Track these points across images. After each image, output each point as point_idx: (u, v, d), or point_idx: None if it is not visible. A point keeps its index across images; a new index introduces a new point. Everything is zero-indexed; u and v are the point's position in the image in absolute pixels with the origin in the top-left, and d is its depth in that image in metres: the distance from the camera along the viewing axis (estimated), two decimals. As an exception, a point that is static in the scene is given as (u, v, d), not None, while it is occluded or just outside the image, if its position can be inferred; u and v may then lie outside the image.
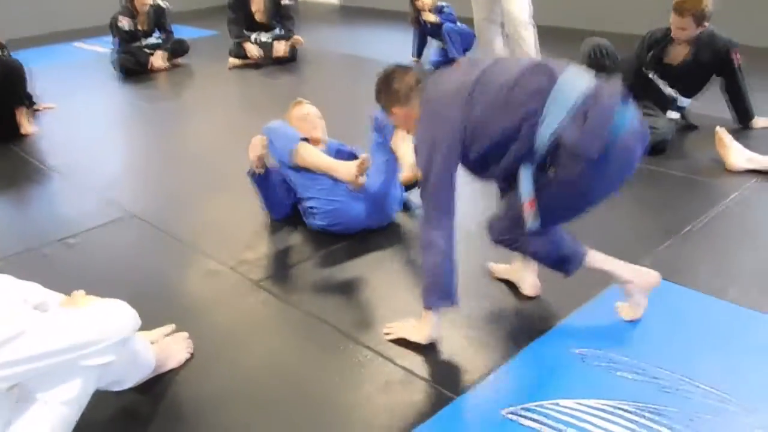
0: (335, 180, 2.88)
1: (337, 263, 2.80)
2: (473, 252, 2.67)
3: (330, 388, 2.09)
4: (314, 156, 2.86)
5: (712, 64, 3.74)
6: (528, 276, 2.48)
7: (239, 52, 6.03)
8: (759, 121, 3.91)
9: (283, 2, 6.11)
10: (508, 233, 2.22)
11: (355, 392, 2.07)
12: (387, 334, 2.29)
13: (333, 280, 2.69)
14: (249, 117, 4.88)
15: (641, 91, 3.85)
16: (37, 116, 4.81)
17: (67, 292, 2.18)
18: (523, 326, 2.33)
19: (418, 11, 5.67)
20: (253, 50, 5.98)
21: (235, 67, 6.03)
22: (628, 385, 2.03)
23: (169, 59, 6.02)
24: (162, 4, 5.97)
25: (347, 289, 2.63)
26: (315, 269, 2.78)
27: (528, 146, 2.00)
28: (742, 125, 3.91)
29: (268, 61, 6.01)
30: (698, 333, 2.26)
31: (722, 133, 3.44)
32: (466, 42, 5.49)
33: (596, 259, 2.26)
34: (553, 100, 1.95)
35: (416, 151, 2.14)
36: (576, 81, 2.00)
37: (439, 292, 2.13)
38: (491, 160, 2.09)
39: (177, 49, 6.11)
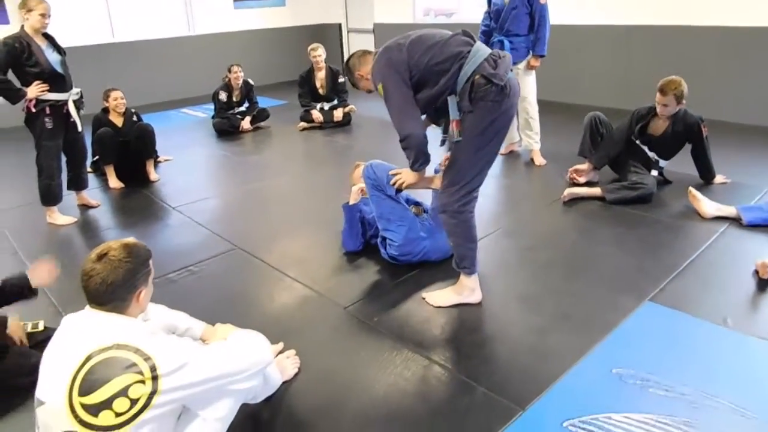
0: (416, 217, 2.77)
1: (413, 289, 2.63)
2: (510, 288, 2.52)
3: (408, 399, 1.93)
4: (410, 177, 2.65)
5: (686, 134, 3.60)
6: None
7: (307, 118, 5.94)
8: (719, 178, 3.74)
9: (339, 79, 6.02)
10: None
11: (429, 404, 1.91)
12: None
13: (411, 304, 2.52)
14: (317, 167, 4.79)
15: (630, 154, 3.74)
16: (158, 166, 4.71)
17: (193, 312, 2.04)
18: (566, 348, 2.16)
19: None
20: (318, 115, 5.88)
21: (304, 129, 5.93)
22: (661, 400, 1.87)
23: (253, 123, 5.93)
24: (250, 81, 5.88)
25: (423, 311, 2.46)
26: (394, 294, 2.61)
27: (454, 79, 2.19)
28: (706, 181, 3.74)
29: (329, 125, 5.91)
30: (711, 356, 2.10)
31: (693, 191, 3.31)
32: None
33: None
34: (476, 50, 2.20)
35: (377, 82, 2.28)
36: (483, 46, 2.25)
37: (423, 157, 2.29)
38: (428, 86, 2.23)
39: (260, 116, 6.02)
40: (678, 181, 3.77)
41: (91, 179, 4.29)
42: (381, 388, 1.99)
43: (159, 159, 4.76)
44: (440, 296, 2.50)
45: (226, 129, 5.77)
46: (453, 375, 2.04)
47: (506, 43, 4.19)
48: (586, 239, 3.10)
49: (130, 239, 1.51)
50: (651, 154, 3.70)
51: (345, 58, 5.54)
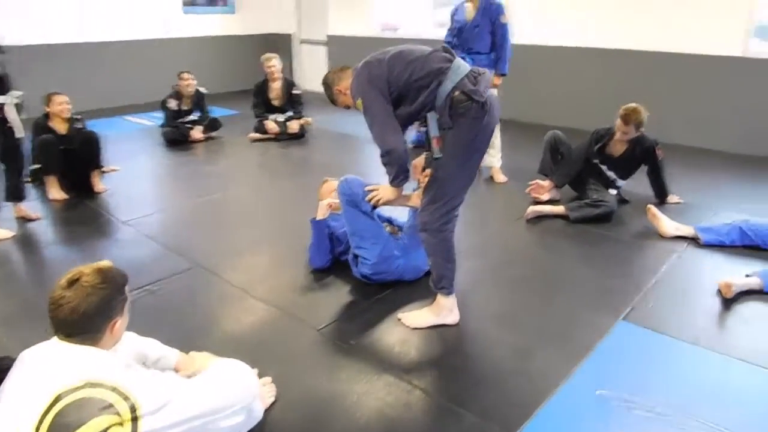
0: (390, 235, 2.70)
1: (387, 310, 2.54)
2: (485, 307, 2.49)
3: (392, 427, 1.84)
4: (388, 193, 2.54)
5: (642, 156, 3.73)
6: None
7: (261, 129, 5.77)
8: (672, 198, 3.88)
9: (294, 91, 5.90)
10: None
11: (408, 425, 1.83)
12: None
13: (387, 325, 2.43)
14: (274, 180, 4.65)
15: (589, 173, 3.82)
16: (104, 177, 4.41)
17: (156, 336, 1.88)
18: (548, 369, 2.14)
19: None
20: (272, 127, 5.73)
21: (257, 140, 5.75)
22: (646, 422, 1.87)
23: (205, 132, 5.70)
24: (201, 89, 5.66)
25: (400, 333, 2.37)
26: (368, 315, 2.51)
27: (433, 96, 2.16)
28: (660, 201, 3.87)
29: (284, 136, 5.76)
30: (687, 376, 2.13)
31: (653, 210, 3.39)
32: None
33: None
34: (456, 66, 2.17)
35: (356, 97, 2.25)
36: (464, 63, 2.22)
37: (403, 173, 2.27)
38: (407, 102, 2.21)
39: (212, 125, 5.79)
40: (634, 200, 3.88)
41: (31, 190, 3.97)
42: (363, 416, 1.89)
43: (104, 169, 4.46)
44: (417, 317, 2.43)
45: (176, 138, 5.51)
46: (438, 401, 1.97)
47: (468, 60, 4.20)
48: (553, 257, 3.13)
49: (105, 262, 1.35)
50: (609, 174, 3.80)
51: (293, 69, 5.46)
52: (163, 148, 5.48)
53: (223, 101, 7.62)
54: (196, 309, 2.59)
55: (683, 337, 2.34)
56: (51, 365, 1.24)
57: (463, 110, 2.13)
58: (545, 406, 1.93)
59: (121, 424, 1.20)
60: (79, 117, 4.24)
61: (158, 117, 6.05)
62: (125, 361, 1.36)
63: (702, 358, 2.21)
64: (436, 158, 2.26)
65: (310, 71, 8.88)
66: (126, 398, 1.21)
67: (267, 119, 5.78)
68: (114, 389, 1.21)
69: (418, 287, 2.73)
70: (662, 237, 3.30)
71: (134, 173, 4.69)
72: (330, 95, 2.44)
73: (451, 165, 2.21)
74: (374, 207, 2.55)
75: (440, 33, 7.48)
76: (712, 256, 3.08)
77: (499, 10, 4.16)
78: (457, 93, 2.13)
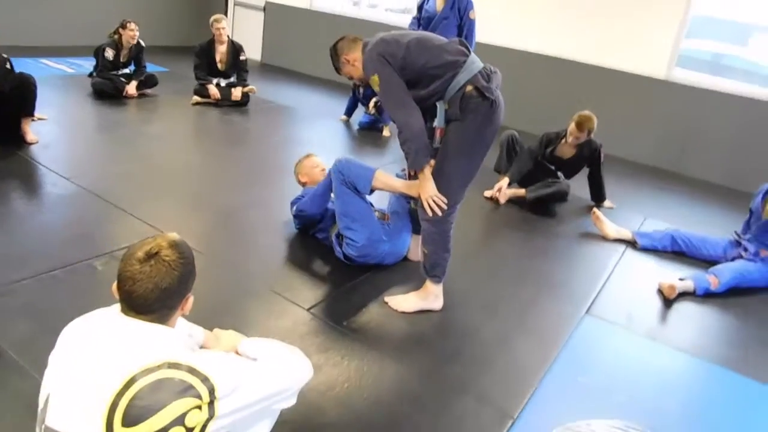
0: (381, 221, 2.71)
1: (371, 292, 2.56)
2: (466, 295, 2.59)
3: (396, 409, 1.90)
4: (390, 179, 2.58)
5: (588, 159, 4.01)
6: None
7: (202, 92, 5.45)
8: (606, 202, 4.22)
9: (241, 57, 5.62)
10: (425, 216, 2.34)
11: (420, 414, 1.90)
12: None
13: (375, 308, 2.45)
14: (223, 147, 4.44)
15: (539, 172, 4.04)
16: (32, 125, 3.96)
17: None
18: (532, 355, 2.29)
19: (356, 84, 5.47)
20: (215, 92, 5.43)
21: (197, 103, 5.43)
22: (625, 408, 2.06)
23: (139, 88, 5.28)
24: (142, 42, 5.22)
25: (389, 316, 2.41)
26: (353, 296, 2.52)
27: (445, 86, 2.18)
28: (596, 202, 4.19)
29: (225, 102, 5.48)
30: (650, 367, 2.36)
31: (598, 213, 3.68)
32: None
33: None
34: (471, 61, 2.20)
35: (371, 73, 2.21)
36: (477, 59, 2.25)
37: (424, 151, 2.21)
38: (417, 88, 2.21)
39: (148, 81, 5.38)
40: (573, 201, 4.17)
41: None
42: (365, 399, 1.92)
43: (33, 117, 4.00)
44: (404, 301, 2.48)
45: (107, 91, 5.04)
46: (438, 383, 2.05)
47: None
48: (515, 250, 3.31)
49: (173, 235, 1.25)
50: (558, 173, 4.06)
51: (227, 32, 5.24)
52: (93, 100, 5.01)
53: (152, 56, 7.07)
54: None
55: (641, 331, 2.59)
56: (122, 344, 1.13)
57: (474, 106, 2.18)
58: (535, 392, 2.06)
59: (200, 407, 1.13)
60: (7, 57, 3.76)
61: (78, 64, 5.53)
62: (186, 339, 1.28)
63: (658, 350, 2.48)
64: (435, 148, 2.30)
65: (244, 37, 8.45)
66: (205, 379, 1.14)
67: (210, 83, 5.47)
68: (192, 370, 1.14)
69: (396, 271, 2.79)
70: (605, 239, 3.59)
71: (65, 125, 4.27)
72: (336, 62, 2.40)
73: (458, 159, 2.26)
74: (372, 191, 2.55)
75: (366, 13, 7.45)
76: (650, 259, 3.41)
77: (468, 5, 4.25)
78: (469, 87, 2.17)
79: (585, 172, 4.14)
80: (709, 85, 5.36)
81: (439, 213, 2.27)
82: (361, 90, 5.46)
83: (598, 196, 4.19)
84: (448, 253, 2.42)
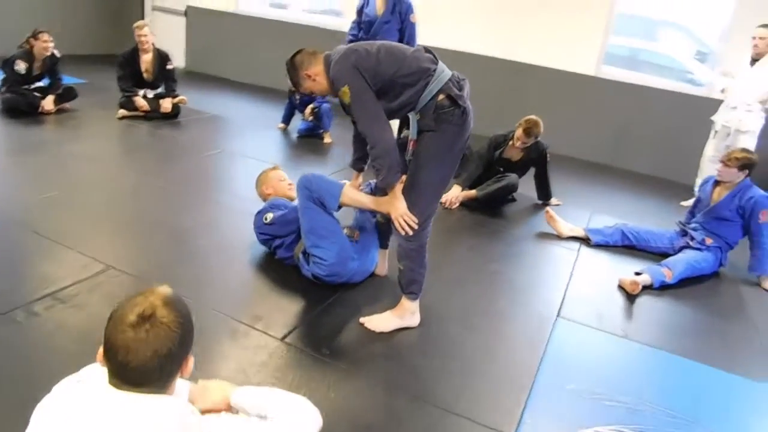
0: (350, 238, 2.61)
1: (344, 313, 2.45)
2: (438, 308, 2.54)
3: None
4: (358, 195, 2.46)
5: (535, 159, 4.08)
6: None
7: (128, 105, 5.09)
8: (553, 200, 4.31)
9: (168, 66, 5.30)
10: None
11: None
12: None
13: (352, 330, 2.35)
14: (160, 164, 4.16)
15: (488, 173, 4.07)
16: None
17: (85, 356, 1.58)
18: (515, 366, 2.26)
19: (292, 90, 5.32)
20: (142, 104, 5.08)
21: (124, 117, 5.06)
22: (615, 411, 2.08)
23: (56, 103, 4.85)
24: (56, 53, 4.79)
25: (368, 338, 2.31)
26: (327, 319, 2.40)
27: (418, 96, 2.12)
28: (543, 201, 4.27)
29: (155, 115, 5.15)
30: (628, 366, 2.42)
31: (551, 212, 3.74)
32: (331, 119, 5.26)
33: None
34: (441, 69, 2.15)
35: (341, 85, 2.11)
36: (446, 67, 2.19)
37: (396, 168, 2.15)
38: (387, 98, 2.14)
39: (66, 95, 4.95)
40: (520, 201, 4.23)
41: None
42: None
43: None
44: (381, 321, 2.39)
45: (21, 108, 4.59)
46: (428, 405, 1.97)
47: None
48: (477, 257, 3.29)
49: (164, 289, 1.09)
50: (507, 173, 4.11)
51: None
52: (4, 118, 4.54)
53: (67, 66, 6.55)
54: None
55: (612, 330, 2.64)
56: (122, 430, 0.97)
57: (448, 116, 2.13)
58: (527, 407, 2.04)
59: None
60: None
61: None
62: (192, 408, 1.12)
63: (633, 349, 2.53)
64: (407, 160, 2.24)
65: (166, 44, 7.99)
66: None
67: (136, 94, 5.11)
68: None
69: (366, 288, 2.70)
70: (559, 237, 3.66)
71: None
72: (295, 77, 2.27)
73: (432, 171, 2.20)
74: (340, 207, 2.44)
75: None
76: (604, 255, 3.51)
77: (409, 8, 4.21)
78: (441, 96, 2.12)
79: (531, 171, 4.22)
80: (635, 80, 5.62)
81: (410, 232, 2.20)
82: (298, 96, 5.30)
83: (545, 194, 4.27)
84: (425, 269, 2.36)
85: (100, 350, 1.05)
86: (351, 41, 4.30)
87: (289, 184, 2.97)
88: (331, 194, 2.41)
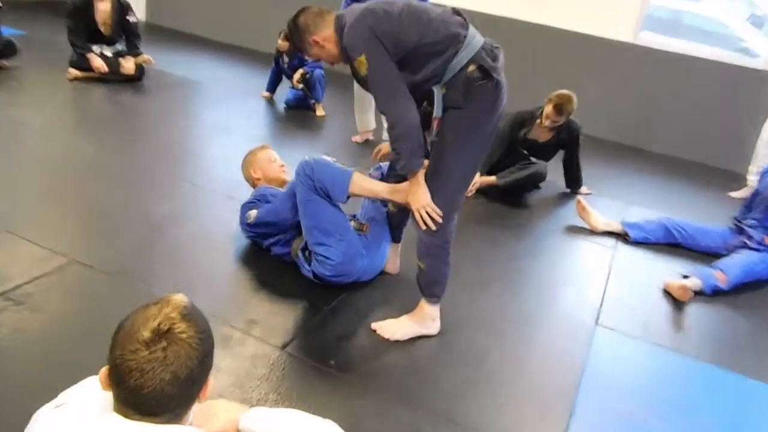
0: (358, 232, 2.61)
1: (353, 318, 2.46)
2: (458, 313, 2.57)
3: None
4: (371, 183, 2.45)
5: (566, 142, 4.10)
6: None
7: (82, 64, 5.01)
8: (584, 189, 4.33)
9: (130, 18, 5.22)
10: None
11: None
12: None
13: (362, 338, 2.36)
14: (124, 137, 4.12)
15: (510, 158, 4.08)
16: None
17: (51, 366, 1.58)
18: (553, 382, 2.29)
19: (280, 52, 5.26)
20: (100, 64, 5.00)
21: (77, 78, 4.99)
22: None
23: (-5, 61, 4.77)
24: (-4, 3, 4.70)
25: (381, 347, 2.32)
26: (333, 325, 2.41)
27: (444, 66, 2.08)
28: (571, 190, 4.30)
29: (115, 77, 5.08)
30: (676, 385, 2.47)
31: (583, 203, 3.76)
32: (324, 88, 5.20)
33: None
34: (472, 35, 2.11)
35: (356, 53, 2.07)
36: (478, 33, 2.16)
37: (419, 152, 2.13)
38: (409, 70, 2.10)
39: (4, 51, 4.86)
40: (545, 189, 4.26)
41: None
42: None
43: None
44: (397, 327, 2.40)
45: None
46: (451, 423, 1.99)
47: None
48: (502, 253, 3.31)
49: (179, 298, 1.08)
50: (532, 158, 4.13)
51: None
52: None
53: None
54: (95, 325, 2.18)
55: (661, 342, 2.68)
56: None
57: (479, 90, 2.11)
58: (570, 427, 2.06)
59: None
60: None
61: None
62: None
63: (689, 366, 2.57)
64: (431, 142, 2.23)
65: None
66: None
67: (91, 52, 5.03)
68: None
69: (375, 288, 2.72)
70: (593, 232, 3.69)
71: None
72: (299, 42, 2.24)
73: (458, 155, 2.19)
74: (348, 197, 2.43)
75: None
76: (643, 253, 3.55)
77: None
78: (472, 67, 2.10)
79: (560, 155, 4.24)
80: (677, 48, 5.64)
81: (433, 226, 2.20)
82: (286, 59, 5.25)
83: (575, 182, 4.30)
84: (448, 268, 2.36)
85: (103, 371, 1.03)
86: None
87: (281, 166, 2.95)
88: (338, 184, 2.39)
